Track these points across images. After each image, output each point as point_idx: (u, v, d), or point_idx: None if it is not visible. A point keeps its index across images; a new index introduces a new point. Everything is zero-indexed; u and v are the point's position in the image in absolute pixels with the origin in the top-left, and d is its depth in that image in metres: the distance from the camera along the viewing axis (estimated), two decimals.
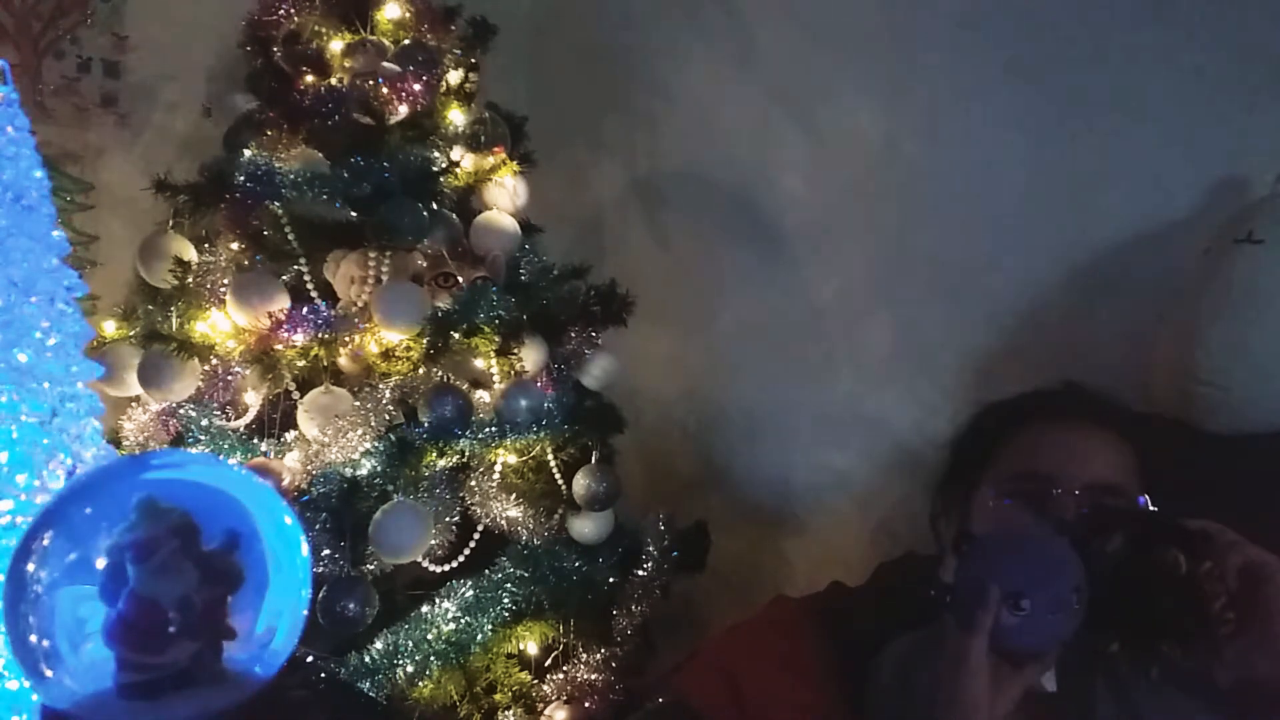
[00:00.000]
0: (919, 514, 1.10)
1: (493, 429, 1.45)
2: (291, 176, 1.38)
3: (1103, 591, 0.79)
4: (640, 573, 1.63)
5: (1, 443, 1.09)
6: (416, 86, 1.48)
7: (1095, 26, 1.56)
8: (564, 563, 1.56)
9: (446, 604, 1.43)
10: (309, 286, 1.44)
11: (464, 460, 1.48)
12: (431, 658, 1.39)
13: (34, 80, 1.61)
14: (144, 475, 0.76)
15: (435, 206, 1.48)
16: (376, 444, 1.37)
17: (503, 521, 1.49)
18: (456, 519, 1.47)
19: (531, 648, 1.55)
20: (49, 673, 0.71)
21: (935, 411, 1.08)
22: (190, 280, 1.42)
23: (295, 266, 1.45)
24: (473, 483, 1.48)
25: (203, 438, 1.40)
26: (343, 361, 1.44)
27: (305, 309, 1.38)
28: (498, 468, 1.51)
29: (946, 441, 1.07)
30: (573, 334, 1.59)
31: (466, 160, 1.61)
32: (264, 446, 1.43)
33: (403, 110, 1.49)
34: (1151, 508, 0.90)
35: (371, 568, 1.38)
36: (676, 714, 0.94)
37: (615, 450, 1.68)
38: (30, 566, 0.72)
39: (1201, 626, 0.77)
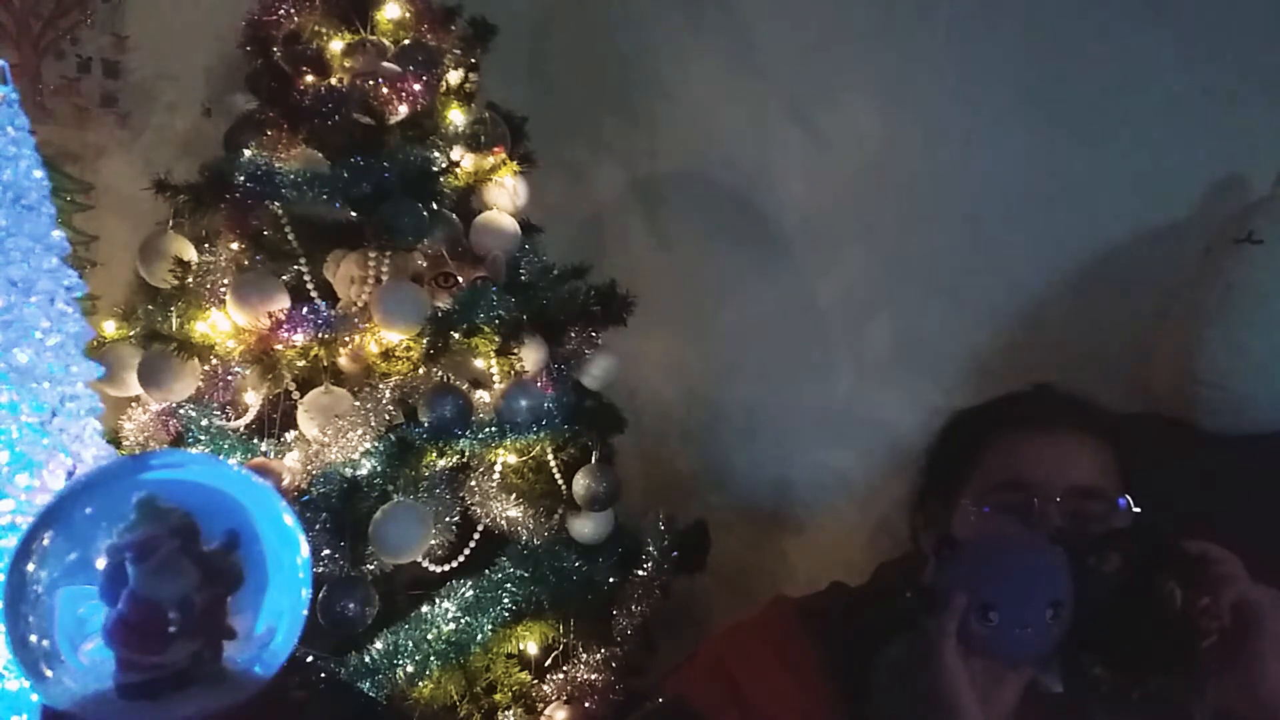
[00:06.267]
0: None
1: (493, 429, 1.45)
2: (291, 176, 1.38)
3: (1093, 613, 0.79)
4: (640, 573, 1.63)
5: (1, 443, 1.09)
6: (416, 86, 1.48)
7: (1095, 27, 1.56)
8: (564, 563, 1.56)
9: (446, 604, 1.43)
10: (309, 286, 1.44)
11: (464, 460, 1.47)
12: (431, 658, 1.39)
13: (34, 80, 1.61)
14: (144, 475, 0.76)
15: (435, 206, 1.48)
16: (376, 444, 1.37)
17: (503, 521, 1.49)
18: (456, 519, 1.46)
19: (531, 648, 1.55)
20: (49, 673, 0.71)
21: (935, 411, 1.07)
22: (190, 280, 1.41)
23: (295, 266, 1.45)
24: (473, 483, 1.48)
25: (203, 438, 1.40)
26: (343, 361, 1.44)
27: (305, 309, 1.38)
28: (498, 468, 1.51)
29: (921, 453, 1.06)
30: (573, 334, 1.59)
31: (466, 160, 1.61)
32: (264, 446, 1.43)
33: (403, 110, 1.49)
34: (1135, 509, 0.90)
35: (371, 568, 1.38)
36: (676, 714, 0.94)
37: (615, 450, 1.67)
38: (30, 566, 0.71)
39: (1189, 663, 0.77)
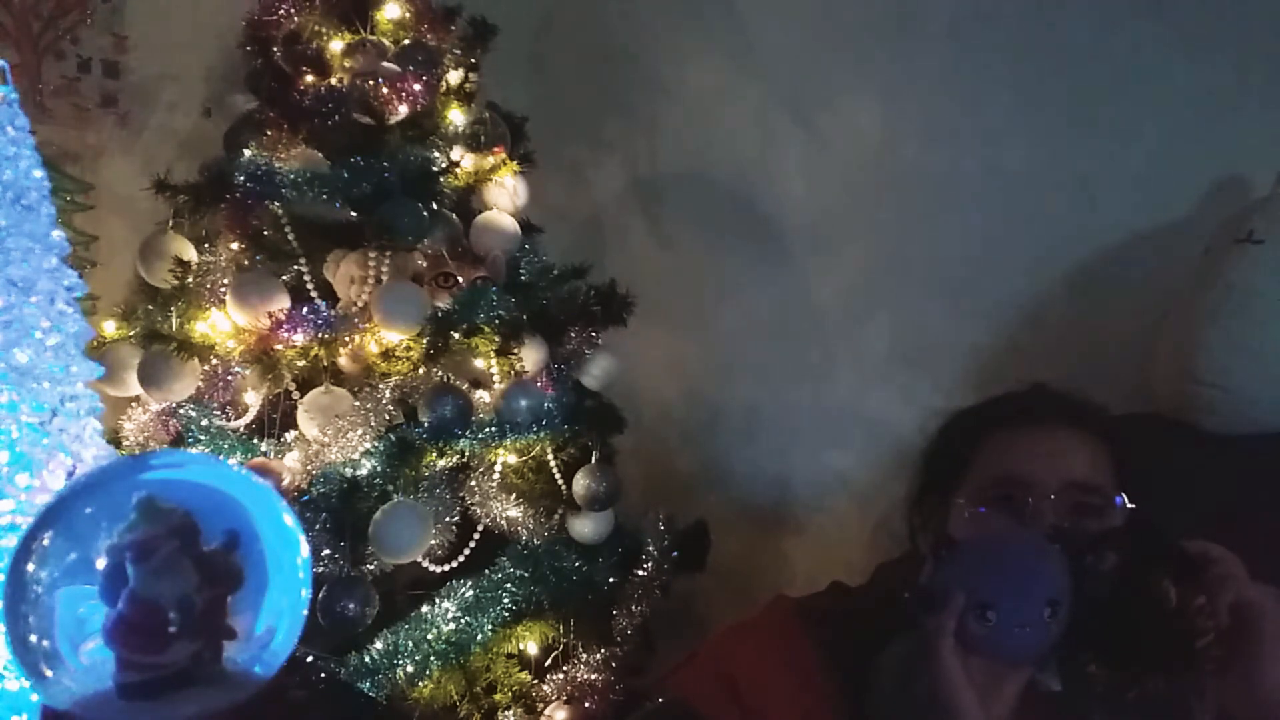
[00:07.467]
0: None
1: (493, 429, 1.45)
2: (291, 176, 1.38)
3: (1089, 611, 0.78)
4: (640, 573, 1.63)
5: (1, 443, 1.09)
6: (416, 86, 1.48)
7: (1095, 27, 1.56)
8: (564, 563, 1.56)
9: (446, 604, 1.43)
10: (309, 286, 1.44)
11: (464, 460, 1.47)
12: (431, 658, 1.39)
13: (34, 80, 1.61)
14: (144, 475, 0.76)
15: (435, 206, 1.48)
16: (376, 444, 1.37)
17: (503, 521, 1.49)
18: (456, 519, 1.47)
19: (531, 648, 1.55)
20: (49, 673, 0.71)
21: (935, 412, 1.07)
22: (190, 280, 1.41)
23: (295, 266, 1.45)
24: (473, 483, 1.48)
25: (203, 438, 1.40)
26: (343, 361, 1.44)
27: (305, 309, 1.38)
28: (498, 468, 1.51)
29: (918, 454, 1.06)
30: (573, 334, 1.59)
31: (466, 160, 1.61)
32: (264, 446, 1.43)
33: (403, 110, 1.49)
34: (1130, 505, 0.90)
35: (371, 568, 1.38)
36: (676, 714, 0.94)
37: (615, 450, 1.67)
38: (30, 566, 0.71)
39: (1184, 662, 0.77)
